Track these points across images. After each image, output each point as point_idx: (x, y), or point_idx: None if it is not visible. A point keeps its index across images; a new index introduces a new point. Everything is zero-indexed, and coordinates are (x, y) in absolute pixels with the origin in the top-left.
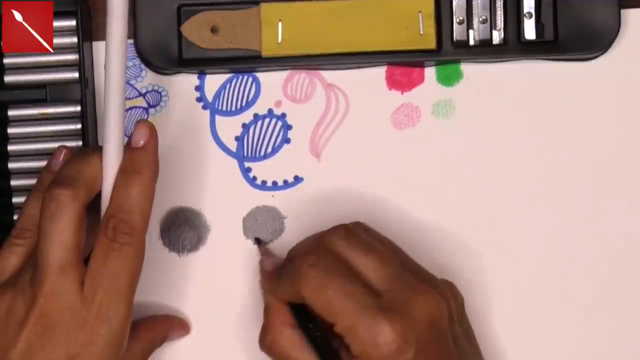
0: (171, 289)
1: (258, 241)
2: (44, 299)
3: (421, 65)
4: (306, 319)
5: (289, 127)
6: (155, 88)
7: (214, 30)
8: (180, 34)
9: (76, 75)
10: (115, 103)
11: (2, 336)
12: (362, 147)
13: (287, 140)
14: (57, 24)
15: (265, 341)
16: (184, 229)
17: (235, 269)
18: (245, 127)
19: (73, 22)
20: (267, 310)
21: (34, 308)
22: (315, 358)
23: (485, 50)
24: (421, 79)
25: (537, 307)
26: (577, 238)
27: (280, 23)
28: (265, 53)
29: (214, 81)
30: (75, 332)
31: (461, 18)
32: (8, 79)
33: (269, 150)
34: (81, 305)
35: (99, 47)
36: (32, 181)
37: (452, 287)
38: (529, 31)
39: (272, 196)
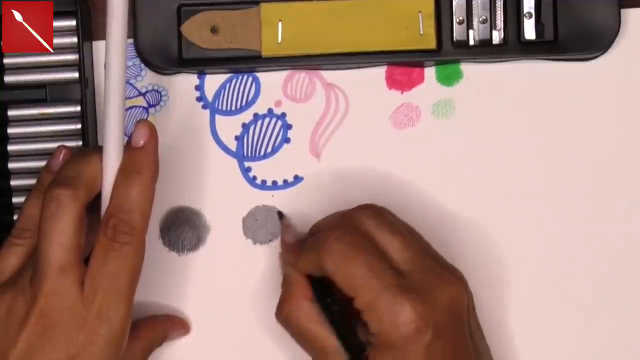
0: (171, 289)
1: (280, 214)
2: (44, 299)
3: (421, 65)
4: (324, 294)
5: (289, 127)
6: (155, 87)
7: (214, 30)
8: (180, 34)
9: (76, 75)
10: (116, 103)
11: (2, 336)
12: (362, 147)
13: (287, 140)
14: (57, 24)
15: (283, 312)
16: (183, 229)
17: (235, 269)
18: (245, 126)
19: (73, 22)
20: (286, 282)
21: (34, 308)
22: (331, 333)
23: (485, 50)
24: (421, 79)
25: (536, 305)
26: (577, 238)
27: (280, 23)
28: (265, 53)
29: (214, 81)
30: (75, 332)
31: (461, 18)
32: (8, 79)
33: (269, 149)
34: (81, 305)
35: (99, 46)
36: (32, 181)
37: (467, 283)
38: (529, 31)
39: (272, 196)
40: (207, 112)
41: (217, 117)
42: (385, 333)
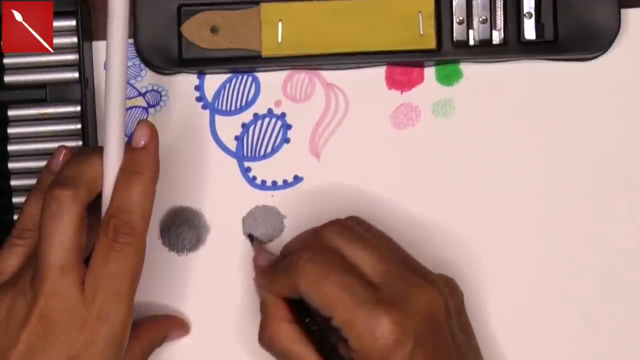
0: (171, 289)
1: (251, 238)
2: (45, 300)
3: (421, 65)
4: (303, 314)
5: (289, 127)
6: (155, 88)
7: (214, 30)
8: (180, 34)
9: (76, 75)
10: (116, 103)
11: (3, 337)
12: (362, 147)
13: (286, 140)
14: (57, 24)
15: (264, 337)
16: (183, 229)
17: (235, 269)
18: (245, 126)
19: (73, 22)
20: (263, 307)
21: (34, 308)
22: (313, 352)
23: (485, 50)
24: (421, 79)
25: (536, 305)
26: (577, 237)
27: (280, 23)
28: (265, 53)
29: (213, 81)
30: (75, 333)
31: (461, 18)
32: (8, 79)
33: (269, 149)
34: (82, 306)
35: (99, 46)
36: (32, 181)
37: (451, 283)
38: (529, 31)
39: (272, 196)
40: (207, 112)
41: (217, 117)
42: (365, 348)
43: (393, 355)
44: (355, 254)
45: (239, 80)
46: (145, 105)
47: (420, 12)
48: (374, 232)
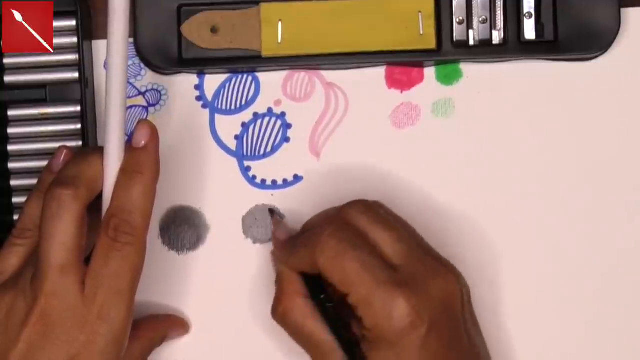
0: (170, 288)
1: (271, 211)
2: (45, 299)
3: (421, 65)
4: (318, 291)
5: (289, 126)
6: (155, 87)
7: (214, 30)
8: (180, 34)
9: (76, 75)
10: (117, 103)
11: (3, 336)
12: (362, 146)
13: (286, 139)
14: (57, 24)
15: (278, 310)
16: (183, 228)
17: (235, 268)
18: (245, 126)
19: (73, 22)
20: (279, 280)
21: (35, 308)
22: (326, 329)
23: (485, 50)
24: (421, 78)
25: (537, 307)
26: (577, 237)
27: (280, 23)
28: (265, 53)
29: (213, 80)
30: (76, 332)
31: (461, 18)
32: (8, 79)
33: (269, 149)
34: (82, 305)
35: (99, 46)
36: (32, 181)
37: (461, 277)
38: (529, 31)
39: (272, 195)
40: (206, 111)
41: (217, 116)
42: (380, 328)
43: (406, 338)
44: (377, 234)
45: (238, 80)
46: (145, 104)
47: (420, 12)
48: (396, 218)
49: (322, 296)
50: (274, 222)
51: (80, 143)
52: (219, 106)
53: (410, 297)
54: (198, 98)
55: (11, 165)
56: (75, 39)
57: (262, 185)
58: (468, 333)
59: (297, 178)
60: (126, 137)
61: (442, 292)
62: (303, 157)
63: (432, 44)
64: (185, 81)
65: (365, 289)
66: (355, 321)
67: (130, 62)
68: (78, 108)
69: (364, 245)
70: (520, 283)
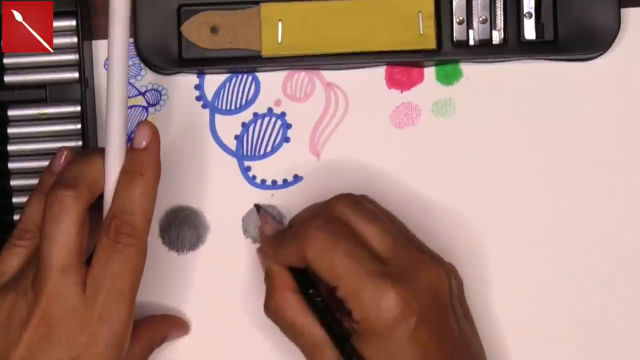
0: (170, 288)
1: (257, 207)
2: (46, 300)
3: (421, 65)
4: (307, 286)
5: (289, 126)
6: (155, 87)
7: (214, 30)
8: (180, 34)
9: (76, 75)
10: (118, 104)
11: (4, 337)
12: (362, 146)
13: (286, 139)
14: (57, 24)
15: (270, 306)
16: (183, 228)
17: (235, 268)
18: (245, 126)
19: (73, 22)
20: (269, 277)
21: (35, 309)
22: (317, 324)
23: (485, 50)
24: (420, 78)
25: (538, 306)
26: (576, 236)
27: (280, 23)
28: (265, 53)
29: (213, 80)
30: (77, 333)
31: (461, 18)
32: (8, 79)
33: (269, 149)
34: (83, 306)
35: (99, 46)
36: (32, 181)
37: (453, 268)
38: (529, 31)
39: (272, 195)
40: (206, 111)
41: (217, 116)
42: (369, 320)
43: (396, 329)
44: (365, 227)
45: (238, 80)
46: (145, 104)
47: (420, 12)
48: (384, 211)
49: (311, 291)
50: (260, 218)
51: (80, 143)
52: (219, 106)
53: (398, 289)
54: (198, 98)
55: (11, 165)
56: (75, 39)
57: (262, 185)
58: (459, 324)
59: (297, 178)
60: (127, 138)
61: (430, 283)
62: (303, 157)
63: (432, 44)
64: (185, 81)
65: (354, 281)
66: (345, 315)
67: (130, 62)
68: (78, 108)
69: (352, 238)
70: (519, 282)
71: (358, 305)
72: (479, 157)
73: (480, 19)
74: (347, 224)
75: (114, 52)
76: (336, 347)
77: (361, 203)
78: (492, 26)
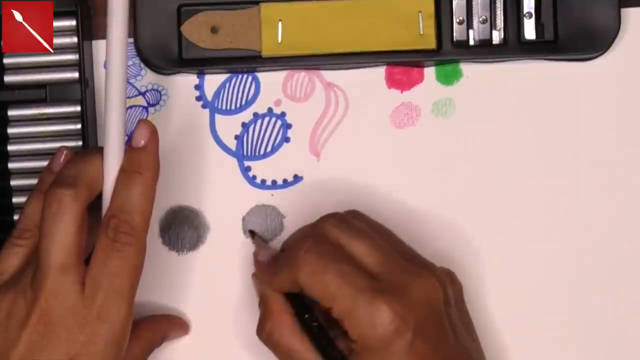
0: (170, 288)
1: (252, 233)
2: (45, 299)
3: (421, 65)
4: (301, 311)
5: (289, 126)
6: (155, 87)
7: (214, 30)
8: (180, 34)
9: (76, 75)
10: (117, 103)
11: (3, 337)
12: (362, 146)
13: (286, 139)
14: (57, 24)
15: (265, 330)
16: (183, 228)
17: (235, 268)
18: (245, 126)
19: (73, 22)
20: (263, 302)
21: (34, 308)
22: (312, 349)
23: (485, 50)
24: (420, 78)
25: (538, 307)
26: (576, 236)
27: (280, 23)
28: (265, 53)
29: (213, 80)
30: (76, 333)
31: (461, 18)
32: (8, 79)
33: (269, 149)
34: (82, 306)
35: (99, 46)
36: (32, 181)
37: (451, 274)
38: (529, 31)
39: (272, 195)
40: (206, 111)
41: (217, 116)
42: (365, 337)
43: (393, 344)
44: (353, 245)
45: (238, 80)
46: (145, 104)
47: (420, 12)
48: (372, 225)
49: (306, 315)
50: (255, 244)
51: (80, 143)
52: (219, 106)
53: (392, 303)
54: (198, 98)
55: (11, 165)
56: (75, 39)
57: (262, 185)
58: (455, 332)
59: (297, 178)
60: (126, 137)
61: (423, 294)
62: (303, 157)
63: (432, 44)
64: (185, 81)
65: (347, 300)
66: (341, 337)
67: (130, 62)
68: (78, 108)
69: (342, 257)
70: (519, 281)
71: (353, 323)
72: (479, 157)
73: (480, 19)
74: (337, 244)
75: (112, 52)
76: None
77: (347, 220)
78: (492, 26)
